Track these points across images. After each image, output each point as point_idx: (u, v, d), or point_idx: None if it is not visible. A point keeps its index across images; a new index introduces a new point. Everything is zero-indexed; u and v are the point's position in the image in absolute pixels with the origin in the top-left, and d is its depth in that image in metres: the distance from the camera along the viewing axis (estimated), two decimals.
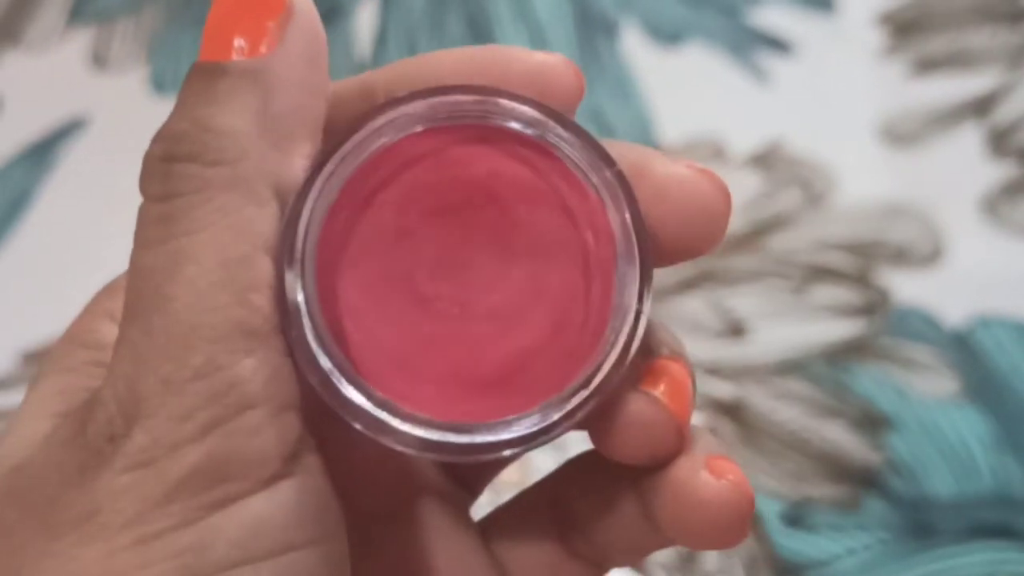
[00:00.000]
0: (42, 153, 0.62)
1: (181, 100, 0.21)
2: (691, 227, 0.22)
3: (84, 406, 0.21)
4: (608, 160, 0.21)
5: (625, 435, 0.22)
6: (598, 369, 0.21)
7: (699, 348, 0.51)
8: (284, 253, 0.20)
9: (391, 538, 0.25)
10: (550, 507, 0.25)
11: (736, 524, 0.22)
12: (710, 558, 0.46)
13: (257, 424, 0.19)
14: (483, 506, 0.28)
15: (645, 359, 0.22)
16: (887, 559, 0.46)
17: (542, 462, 0.27)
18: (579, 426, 0.22)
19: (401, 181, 0.21)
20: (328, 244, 0.21)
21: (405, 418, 0.20)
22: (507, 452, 0.21)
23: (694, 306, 0.53)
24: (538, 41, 0.64)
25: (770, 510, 0.47)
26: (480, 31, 0.65)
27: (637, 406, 0.22)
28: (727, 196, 0.22)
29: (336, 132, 0.22)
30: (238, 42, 0.21)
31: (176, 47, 0.66)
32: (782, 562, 0.46)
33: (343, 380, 0.20)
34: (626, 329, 0.21)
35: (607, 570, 0.25)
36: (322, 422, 0.21)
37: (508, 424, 0.21)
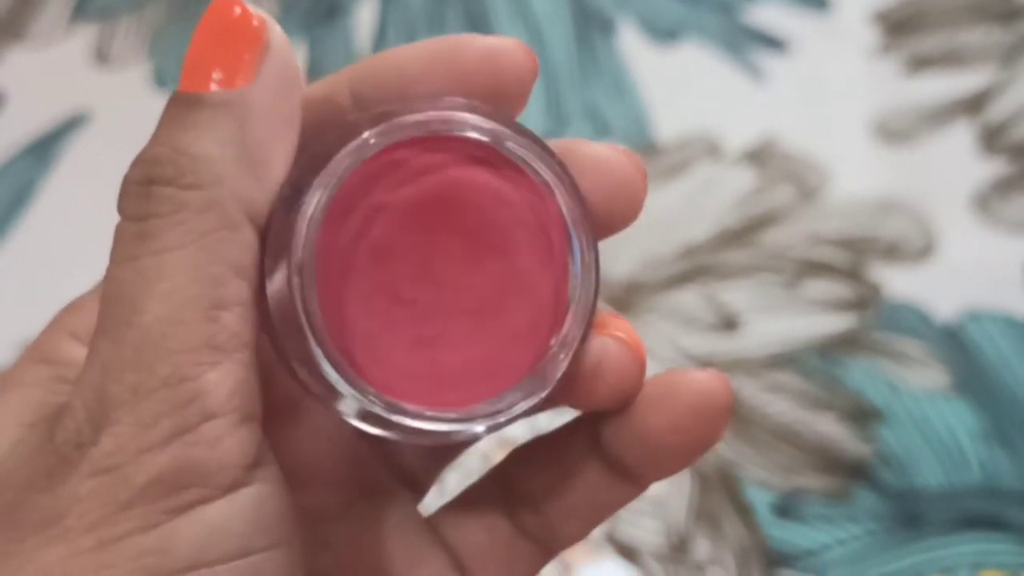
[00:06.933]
0: (45, 148, 0.62)
1: (160, 127, 0.22)
2: (611, 200, 0.23)
3: (53, 415, 0.21)
4: (549, 152, 0.23)
5: (594, 377, 0.23)
6: (568, 332, 0.23)
7: (692, 341, 0.52)
8: (288, 267, 0.21)
9: (342, 535, 0.26)
10: (500, 492, 0.26)
11: (726, 412, 0.24)
12: (701, 548, 0.46)
13: (219, 434, 0.20)
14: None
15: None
16: (876, 550, 0.46)
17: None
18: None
19: (374, 196, 0.23)
20: (318, 259, 0.22)
21: (417, 417, 0.22)
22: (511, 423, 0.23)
23: (687, 300, 0.53)
24: (535, 38, 0.65)
25: (761, 501, 0.47)
26: (478, 28, 0.65)
27: (601, 346, 0.23)
28: (642, 172, 0.24)
29: (307, 148, 0.23)
30: (216, 74, 0.21)
31: (178, 44, 0.67)
32: (772, 552, 0.46)
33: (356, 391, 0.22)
34: (586, 292, 0.23)
35: (556, 551, 0.26)
36: (273, 424, 0.22)
37: (503, 400, 0.22)
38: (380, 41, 0.66)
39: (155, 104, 0.62)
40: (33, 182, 0.61)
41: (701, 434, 0.24)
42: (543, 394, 0.23)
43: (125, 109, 0.64)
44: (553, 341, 0.23)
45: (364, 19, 0.67)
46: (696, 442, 0.24)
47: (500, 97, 0.23)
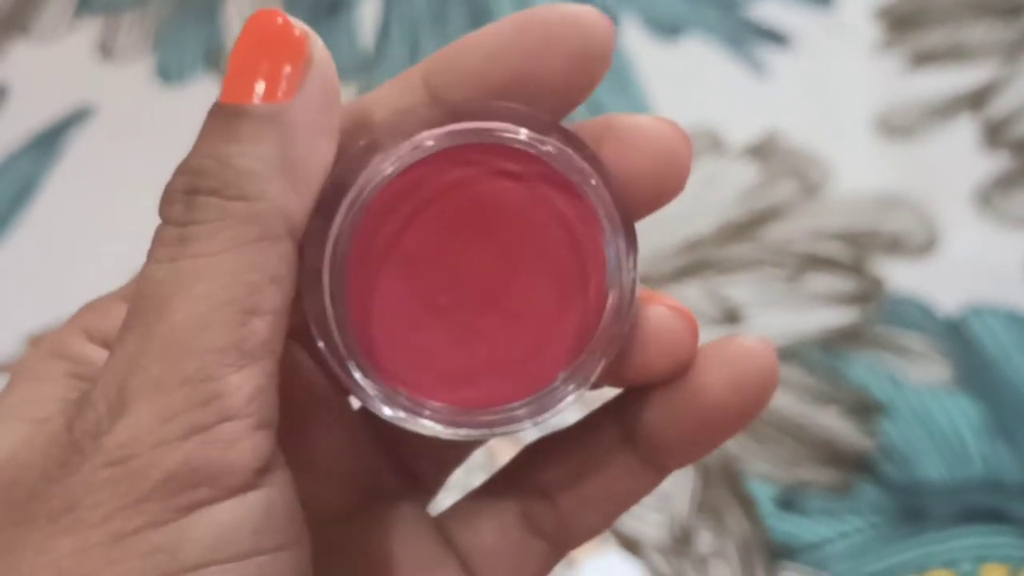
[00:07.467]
0: (49, 141, 0.62)
1: (203, 137, 0.22)
2: (657, 170, 0.23)
3: (73, 406, 0.21)
4: (581, 145, 0.23)
5: (650, 345, 0.23)
6: (608, 323, 0.23)
7: None
8: (323, 271, 0.22)
9: (351, 539, 0.26)
10: (512, 489, 0.26)
11: (776, 373, 0.24)
12: (704, 541, 0.46)
13: (234, 436, 0.20)
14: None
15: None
16: (879, 543, 0.46)
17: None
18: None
19: (410, 202, 0.23)
20: (352, 259, 0.22)
21: (454, 423, 0.23)
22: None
23: (690, 294, 0.53)
24: None
25: (764, 494, 0.47)
26: (482, 24, 0.65)
27: (655, 315, 0.23)
28: (687, 139, 0.24)
29: (343, 154, 0.23)
30: (259, 86, 0.21)
31: (181, 38, 0.67)
32: (775, 545, 0.46)
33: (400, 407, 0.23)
34: (624, 280, 0.23)
35: (568, 548, 0.26)
36: (286, 428, 0.22)
37: (550, 394, 0.23)
38: (383, 37, 0.66)
39: (159, 98, 0.63)
40: (37, 176, 0.61)
41: (757, 391, 0.24)
42: (589, 382, 0.23)
43: (129, 103, 0.64)
44: (594, 332, 0.23)
45: (367, 15, 0.67)
46: (752, 399, 0.24)
47: (586, 60, 0.23)
